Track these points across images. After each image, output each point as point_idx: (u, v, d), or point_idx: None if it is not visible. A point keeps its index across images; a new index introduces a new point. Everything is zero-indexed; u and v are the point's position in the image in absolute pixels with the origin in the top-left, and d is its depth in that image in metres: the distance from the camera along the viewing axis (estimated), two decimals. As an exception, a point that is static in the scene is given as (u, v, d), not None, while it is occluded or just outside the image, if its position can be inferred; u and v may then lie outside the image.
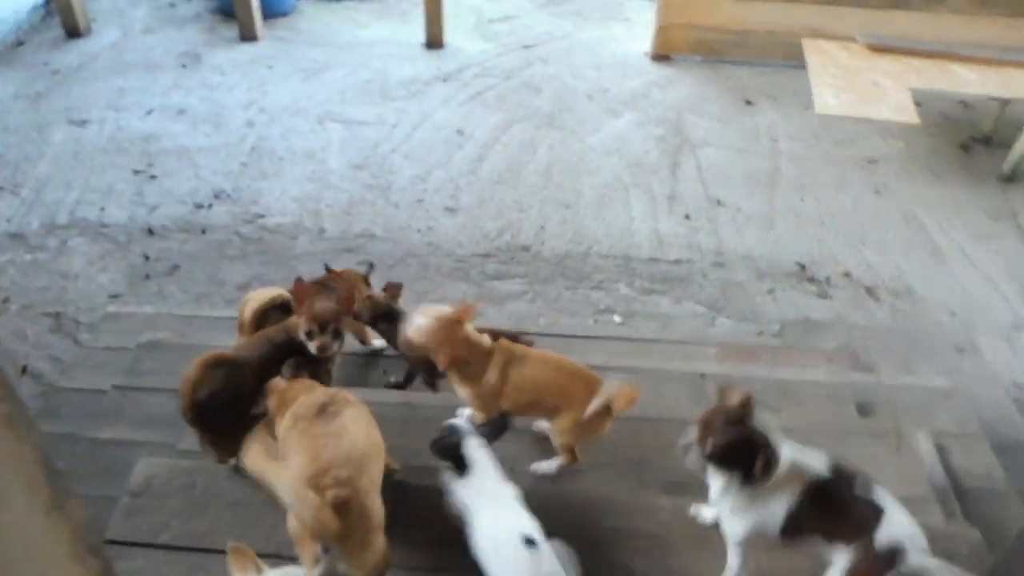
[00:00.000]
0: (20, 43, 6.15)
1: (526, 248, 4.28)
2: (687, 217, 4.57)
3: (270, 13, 6.45)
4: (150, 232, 4.32)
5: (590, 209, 4.57)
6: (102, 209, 4.48)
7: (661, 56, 6.12)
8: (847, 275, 4.28)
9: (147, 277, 4.05)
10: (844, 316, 4.02)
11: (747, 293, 4.12)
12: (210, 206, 4.50)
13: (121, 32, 6.34)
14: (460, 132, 5.15)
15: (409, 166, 4.84)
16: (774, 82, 5.86)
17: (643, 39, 6.26)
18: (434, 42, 6.16)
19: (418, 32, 6.18)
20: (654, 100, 5.61)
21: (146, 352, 2.93)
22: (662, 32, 6.03)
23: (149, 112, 5.31)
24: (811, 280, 4.24)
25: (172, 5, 6.75)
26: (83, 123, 5.20)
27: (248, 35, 6.13)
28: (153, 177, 4.72)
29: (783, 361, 3.14)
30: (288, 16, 6.59)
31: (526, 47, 6.25)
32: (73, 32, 6.21)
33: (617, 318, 3.91)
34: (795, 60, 5.86)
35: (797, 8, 5.78)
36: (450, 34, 6.28)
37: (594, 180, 4.79)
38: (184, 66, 5.83)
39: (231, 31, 6.18)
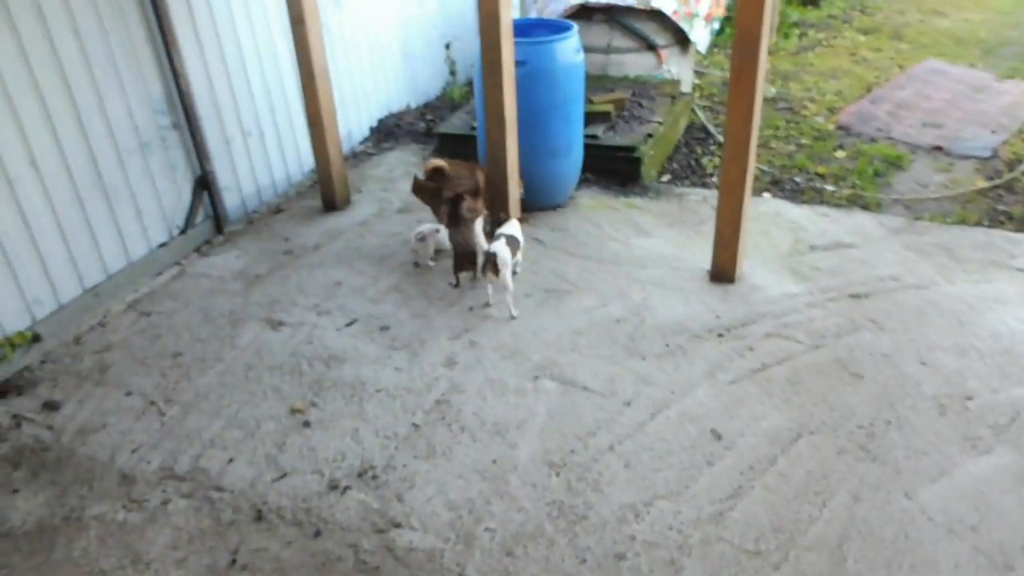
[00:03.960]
0: (279, 211, 5.77)
1: None
2: None
3: (538, 203, 5.42)
4: (258, 516, 3.24)
5: (904, 651, 2.61)
6: (230, 461, 3.54)
7: (1076, 344, 3.92)
8: None
9: (216, 598, 2.94)
10: None
11: None
12: (346, 490, 3.33)
13: (377, 208, 5.71)
14: (717, 435, 3.48)
15: (626, 481, 3.27)
16: None
17: (1046, 308, 4.12)
18: (722, 273, 4.60)
19: (707, 253, 4.68)
20: (1055, 427, 3.45)
21: None
22: (1083, 308, 3.86)
23: (351, 323, 4.41)
24: None
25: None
26: (278, 325, 4.44)
27: (500, 231, 5.10)
28: (307, 424, 3.71)
29: None
30: (558, 209, 5.50)
31: (855, 296, 4.43)
32: (329, 205, 5.70)
33: None
34: None
35: None
36: (748, 263, 4.68)
37: (922, 583, 2.81)
38: (416, 264, 4.92)
39: (484, 224, 5.22)
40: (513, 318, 4.36)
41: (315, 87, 5.24)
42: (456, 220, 4.62)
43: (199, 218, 5.31)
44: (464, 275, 4.69)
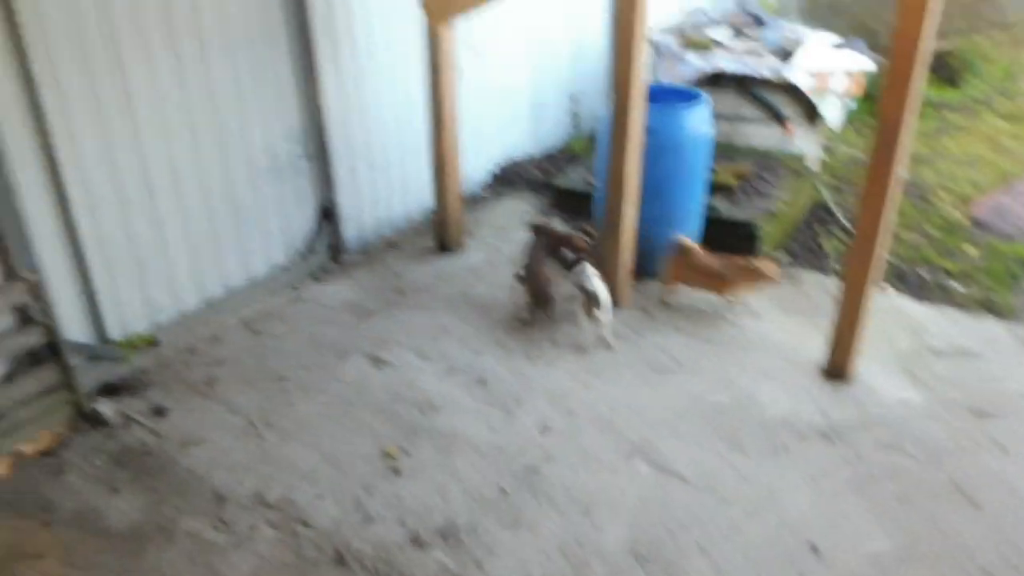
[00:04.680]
0: (394, 246, 5.90)
1: None
2: None
3: (649, 271, 5.34)
4: (339, 559, 3.27)
5: None
6: (319, 497, 3.59)
7: None
8: None
9: (290, 638, 2.97)
10: None
11: None
12: (427, 547, 3.33)
13: (488, 256, 5.76)
14: (814, 548, 3.31)
15: (714, 584, 3.15)
16: None
17: None
18: (835, 370, 4.41)
19: (822, 345, 4.50)
20: None
21: None
22: None
23: (451, 370, 4.44)
24: None
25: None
26: (380, 363, 4.52)
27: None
28: (397, 472, 3.74)
29: None
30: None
31: (979, 413, 4.16)
32: (443, 246, 5.79)
33: None
34: None
35: None
36: (864, 361, 4.48)
37: None
38: (523, 321, 4.92)
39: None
40: (611, 347, 4.61)
41: (443, 132, 5.35)
42: (540, 259, 4.90)
43: (318, 245, 5.48)
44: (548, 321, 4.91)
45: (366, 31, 5.42)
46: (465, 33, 5.69)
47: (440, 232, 5.77)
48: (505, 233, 6.06)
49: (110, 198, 4.21)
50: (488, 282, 5.40)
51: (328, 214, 5.44)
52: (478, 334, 4.78)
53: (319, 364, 4.51)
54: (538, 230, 5.01)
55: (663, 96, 5.41)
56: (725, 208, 5.87)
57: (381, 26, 5.52)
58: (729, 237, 5.72)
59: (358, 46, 5.39)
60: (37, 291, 3.89)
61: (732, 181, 6.12)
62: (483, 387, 4.31)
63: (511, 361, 4.52)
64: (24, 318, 3.97)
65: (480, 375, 4.41)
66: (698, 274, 4.97)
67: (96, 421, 4.11)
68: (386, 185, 5.91)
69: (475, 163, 6.76)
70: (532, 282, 4.83)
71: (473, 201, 6.60)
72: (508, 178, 6.99)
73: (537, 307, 4.85)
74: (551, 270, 4.88)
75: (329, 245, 5.55)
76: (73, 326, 4.22)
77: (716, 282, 4.95)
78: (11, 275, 3.85)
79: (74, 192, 4.05)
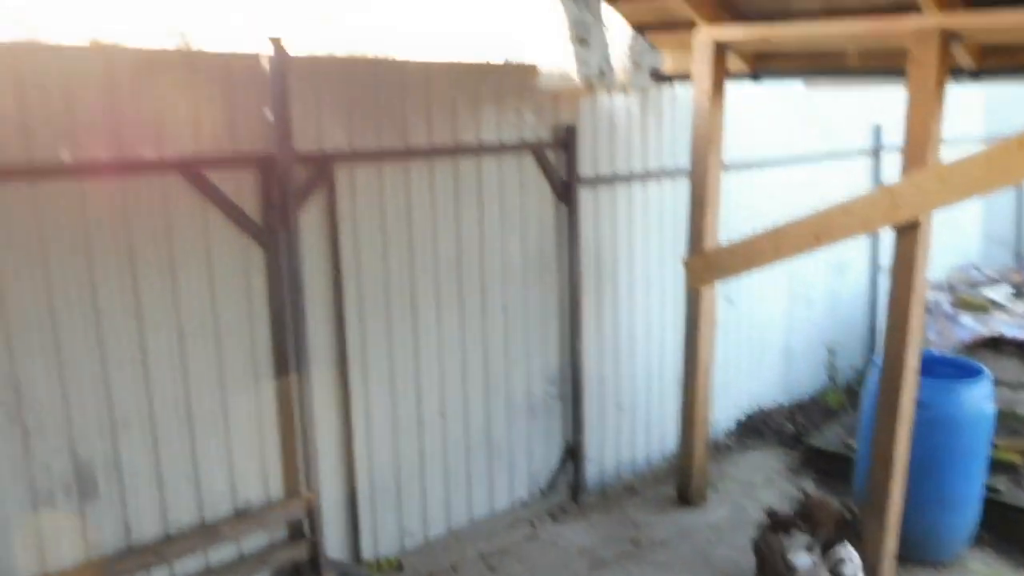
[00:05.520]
0: (632, 490, 5.84)
1: None
2: None
3: (916, 556, 4.81)
4: None
5: None
6: None
7: None
8: None
9: None
10: None
11: None
12: None
13: (731, 513, 5.50)
14: None
15: None
16: None
17: None
18: None
19: None
20: None
21: None
22: None
23: (687, 645, 4.16)
24: None
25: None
26: (613, 624, 4.35)
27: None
28: None
29: None
30: (940, 568, 4.83)
31: None
32: (683, 496, 5.64)
33: None
34: None
35: None
36: None
37: None
38: (766, 596, 4.57)
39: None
40: None
41: (696, 383, 5.38)
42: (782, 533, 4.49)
43: (560, 483, 5.56)
44: None
45: (628, 281, 5.75)
46: (724, 285, 5.82)
47: (682, 482, 5.64)
48: (751, 490, 5.79)
49: (385, 429, 4.64)
50: (730, 544, 5.12)
51: (573, 453, 5.55)
52: (719, 606, 4.49)
53: (551, 614, 4.44)
54: (778, 517, 4.64)
55: (937, 367, 5.10)
56: (1009, 491, 5.24)
57: (642, 276, 5.84)
58: (1016, 524, 5.06)
59: (619, 295, 5.70)
60: (312, 509, 4.27)
61: (1017, 459, 5.50)
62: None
63: (755, 645, 4.17)
64: (295, 533, 4.35)
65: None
66: None
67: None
68: (630, 428, 5.97)
69: (722, 410, 6.65)
70: (770, 559, 4.46)
71: (717, 449, 6.43)
72: (756, 428, 6.77)
73: None
74: (799, 545, 4.50)
75: (569, 484, 5.61)
76: (333, 543, 4.53)
77: None
78: (293, 492, 4.27)
79: (357, 421, 4.51)
